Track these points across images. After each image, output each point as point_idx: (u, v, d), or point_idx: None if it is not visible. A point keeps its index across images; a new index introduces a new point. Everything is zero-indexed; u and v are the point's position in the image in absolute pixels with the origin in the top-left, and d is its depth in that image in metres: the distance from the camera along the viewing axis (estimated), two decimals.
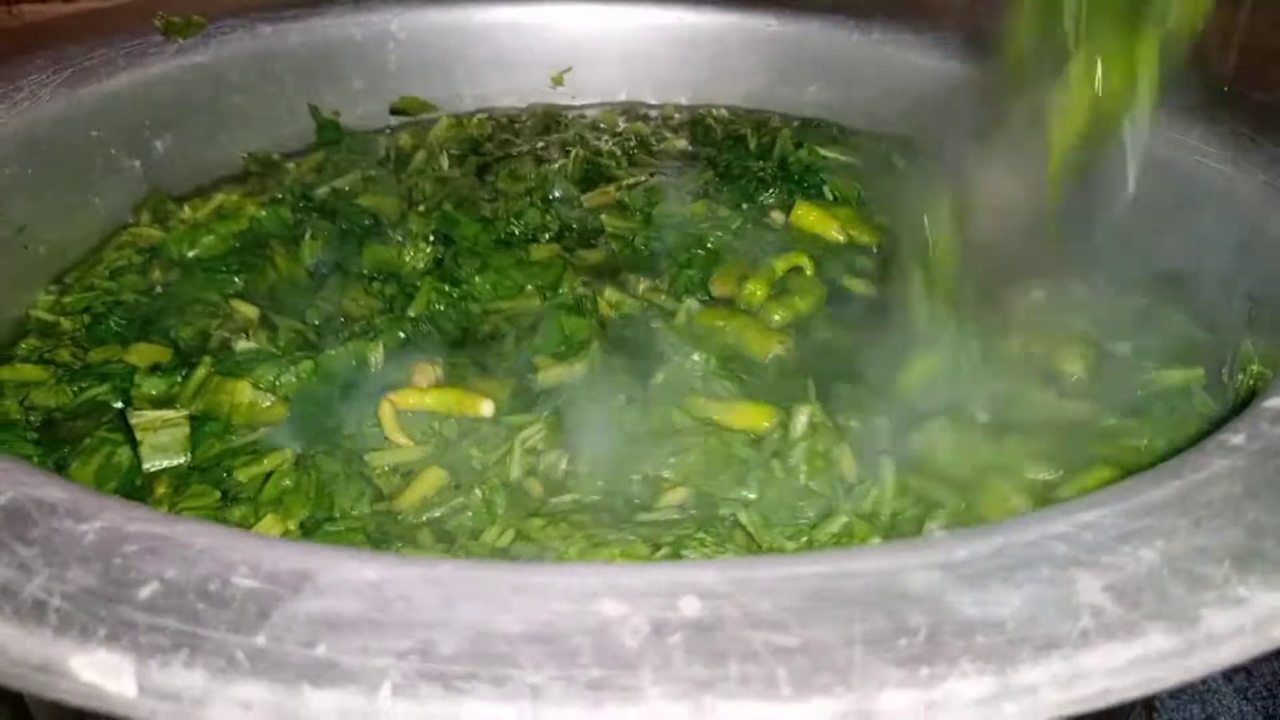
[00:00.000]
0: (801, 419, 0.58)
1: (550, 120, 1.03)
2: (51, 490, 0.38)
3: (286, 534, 0.53)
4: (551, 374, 0.65)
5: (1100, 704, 0.31)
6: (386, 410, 0.60)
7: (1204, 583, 0.35)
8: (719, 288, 0.75)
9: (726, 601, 0.33)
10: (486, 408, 0.61)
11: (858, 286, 0.76)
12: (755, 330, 0.69)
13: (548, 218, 0.84)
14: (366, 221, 0.83)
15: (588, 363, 0.65)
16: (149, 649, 0.31)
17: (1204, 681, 0.95)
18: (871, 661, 0.31)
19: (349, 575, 0.34)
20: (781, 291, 0.74)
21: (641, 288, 0.75)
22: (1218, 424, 0.46)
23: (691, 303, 0.72)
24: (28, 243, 0.74)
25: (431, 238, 0.80)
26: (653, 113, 1.06)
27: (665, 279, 0.76)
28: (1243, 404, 0.50)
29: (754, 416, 0.60)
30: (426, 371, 0.64)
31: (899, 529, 0.53)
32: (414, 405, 0.61)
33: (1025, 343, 0.64)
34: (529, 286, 0.74)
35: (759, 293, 0.73)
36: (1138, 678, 0.32)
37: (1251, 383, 0.59)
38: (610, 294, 0.73)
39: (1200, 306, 0.69)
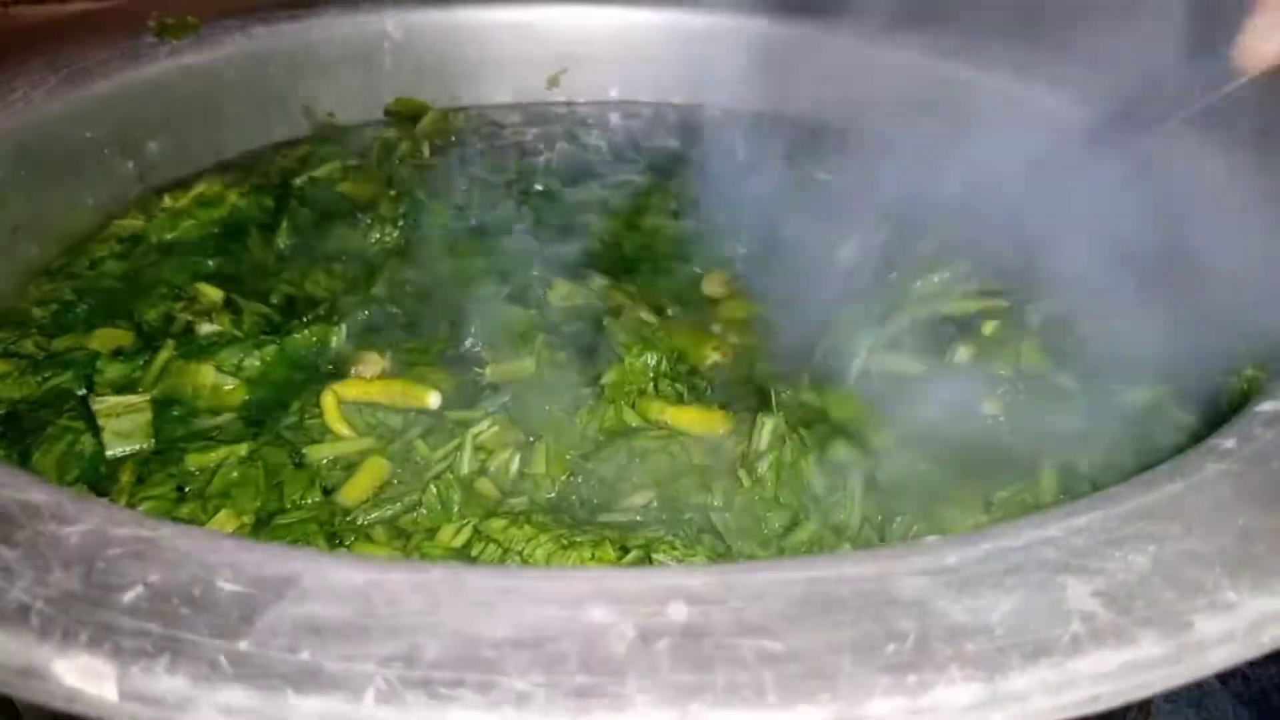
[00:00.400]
0: (766, 431, 0.57)
1: (541, 117, 1.03)
2: (36, 493, 0.38)
3: (241, 527, 0.52)
4: (500, 369, 0.64)
5: (1090, 710, 0.31)
6: (329, 400, 0.59)
7: (1195, 588, 0.34)
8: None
9: (715, 607, 0.33)
10: (433, 399, 0.60)
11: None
12: (695, 336, 0.69)
13: (524, 209, 0.83)
14: (345, 208, 0.83)
15: (535, 359, 0.64)
16: (131, 653, 0.31)
17: (1199, 685, 0.95)
18: (859, 668, 0.31)
19: (334, 579, 0.34)
20: (730, 294, 0.74)
21: (596, 284, 0.74)
22: (1200, 433, 0.46)
23: (644, 313, 0.71)
24: (20, 242, 0.74)
25: (401, 222, 0.80)
26: (645, 111, 1.05)
27: (628, 284, 0.75)
28: (1236, 408, 0.50)
29: (708, 422, 0.59)
30: (373, 361, 0.63)
31: (865, 539, 0.53)
32: (358, 396, 0.60)
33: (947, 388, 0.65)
34: (491, 274, 0.74)
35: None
36: (1128, 683, 0.32)
37: (1245, 387, 0.58)
38: (560, 286, 0.72)
39: (1194, 312, 0.69)
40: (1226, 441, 0.43)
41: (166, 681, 0.30)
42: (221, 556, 0.35)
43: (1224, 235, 0.69)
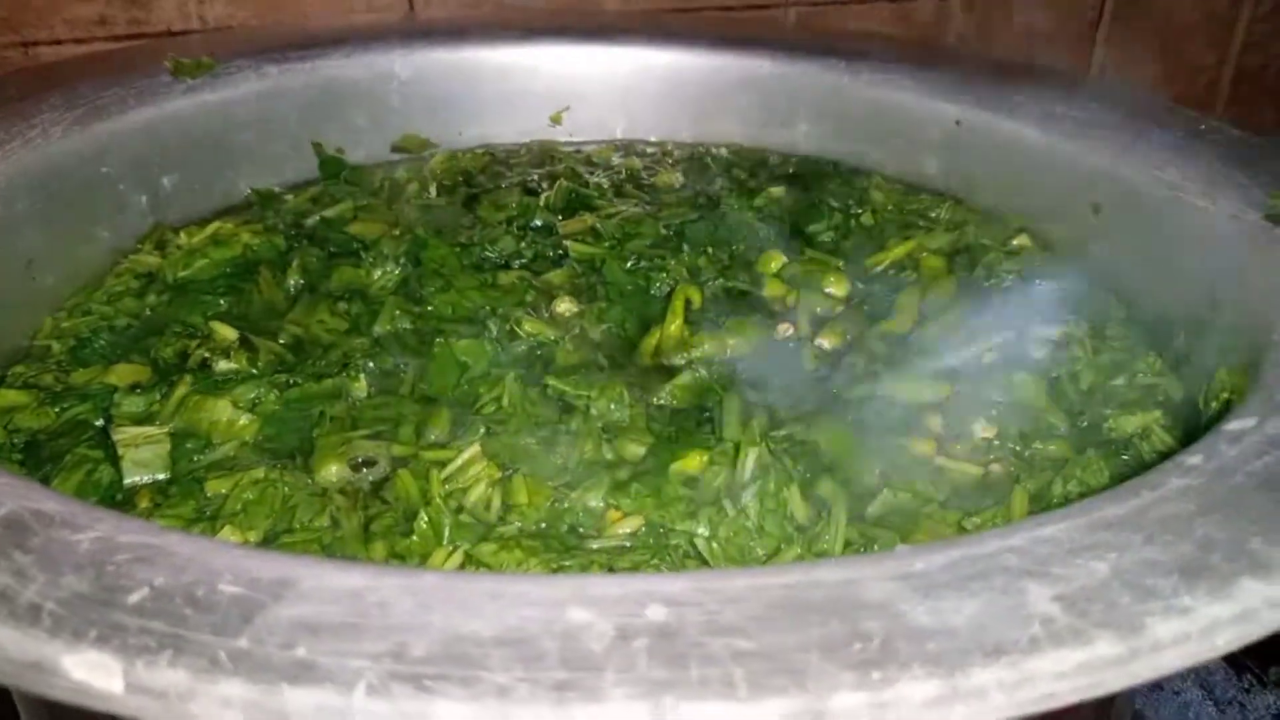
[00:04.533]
0: (750, 461, 0.59)
1: (545, 155, 1.05)
2: (49, 503, 0.40)
3: (245, 544, 0.54)
4: (483, 402, 0.66)
5: (1045, 707, 0.33)
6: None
7: (1151, 593, 0.36)
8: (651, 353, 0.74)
9: (691, 609, 0.35)
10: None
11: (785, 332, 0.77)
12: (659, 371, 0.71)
13: (522, 245, 0.86)
14: (354, 248, 0.85)
15: (506, 395, 0.65)
16: (136, 649, 0.32)
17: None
18: (826, 665, 0.33)
19: (330, 583, 0.36)
20: (715, 327, 0.75)
21: (562, 307, 0.77)
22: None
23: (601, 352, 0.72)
24: (35, 274, 0.76)
25: (402, 259, 0.82)
26: (650, 149, 1.08)
27: (593, 310, 0.77)
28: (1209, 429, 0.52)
29: (687, 460, 0.60)
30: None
31: None
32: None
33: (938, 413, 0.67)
34: (486, 308, 0.76)
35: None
36: (1083, 681, 0.33)
37: (1221, 409, 0.60)
38: (530, 325, 0.74)
39: (1176, 340, 0.70)
40: (1193, 458, 0.45)
41: (169, 675, 0.32)
42: (223, 562, 0.37)
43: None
